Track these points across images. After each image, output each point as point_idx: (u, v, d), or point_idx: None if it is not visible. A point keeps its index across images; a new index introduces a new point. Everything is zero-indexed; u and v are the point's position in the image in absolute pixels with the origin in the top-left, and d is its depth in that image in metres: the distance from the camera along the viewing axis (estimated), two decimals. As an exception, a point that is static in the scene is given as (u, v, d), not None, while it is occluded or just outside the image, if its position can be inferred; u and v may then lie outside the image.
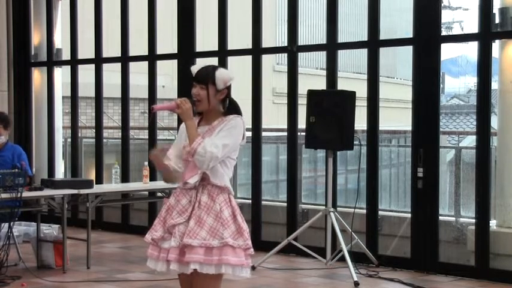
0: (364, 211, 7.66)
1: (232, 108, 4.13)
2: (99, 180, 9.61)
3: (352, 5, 22.60)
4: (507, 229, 7.09)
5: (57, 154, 10.38)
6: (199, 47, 9.02)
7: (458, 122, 24.15)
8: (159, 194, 8.36)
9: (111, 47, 10.31)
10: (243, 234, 4.00)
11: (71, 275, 7.05)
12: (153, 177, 8.79)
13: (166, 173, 4.18)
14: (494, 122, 7.08)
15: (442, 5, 8.40)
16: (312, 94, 7.36)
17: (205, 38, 10.27)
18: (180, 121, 4.22)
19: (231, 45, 8.75)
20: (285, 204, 8.27)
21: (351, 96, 7.27)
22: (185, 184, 4.07)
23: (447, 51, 42.32)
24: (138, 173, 8.82)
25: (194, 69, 4.16)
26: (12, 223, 6.80)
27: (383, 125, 8.08)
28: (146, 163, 8.13)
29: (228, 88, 4.12)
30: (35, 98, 10.43)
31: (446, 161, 8.92)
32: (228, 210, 4.01)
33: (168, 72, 13.48)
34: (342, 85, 7.84)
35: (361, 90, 7.53)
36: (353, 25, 21.25)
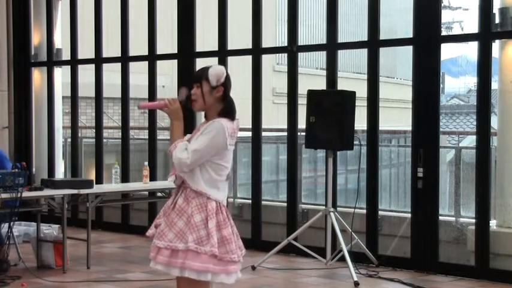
0: (364, 211, 7.66)
1: (226, 108, 4.03)
2: (99, 180, 9.61)
3: (352, 5, 22.58)
4: (507, 229, 7.09)
5: (57, 154, 10.38)
6: (199, 47, 9.01)
7: (458, 122, 24.15)
8: (159, 194, 8.36)
9: (111, 47, 10.30)
10: (210, 240, 3.89)
11: (71, 275, 7.05)
12: (153, 177, 8.80)
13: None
14: (494, 122, 7.08)
15: (442, 5, 8.40)
16: (312, 94, 7.35)
17: (205, 38, 10.26)
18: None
19: (231, 45, 8.75)
20: (285, 204, 8.26)
21: (351, 96, 7.27)
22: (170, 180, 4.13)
23: (447, 51, 42.32)
24: (138, 173, 8.82)
25: None
26: (12, 223, 6.80)
27: (383, 125, 8.08)
28: (146, 163, 8.13)
29: (224, 86, 4.01)
30: (35, 98, 10.42)
31: (446, 161, 8.91)
32: (200, 215, 3.93)
33: (168, 72, 13.46)
34: (342, 85, 7.84)
35: (361, 90, 7.53)
36: (353, 25, 21.23)
